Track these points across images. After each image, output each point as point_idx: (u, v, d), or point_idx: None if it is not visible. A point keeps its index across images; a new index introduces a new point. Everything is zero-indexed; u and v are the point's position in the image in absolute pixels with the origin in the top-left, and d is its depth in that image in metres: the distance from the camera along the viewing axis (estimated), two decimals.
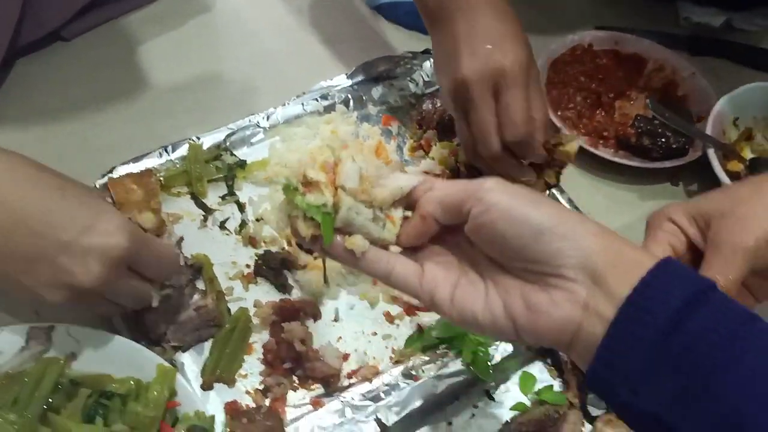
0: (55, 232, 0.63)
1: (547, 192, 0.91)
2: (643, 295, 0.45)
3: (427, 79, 1.08)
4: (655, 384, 0.44)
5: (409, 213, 0.55)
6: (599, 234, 0.48)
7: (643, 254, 0.48)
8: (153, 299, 0.73)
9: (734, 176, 1.00)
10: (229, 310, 0.84)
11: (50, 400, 0.71)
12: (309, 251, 0.73)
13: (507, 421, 0.80)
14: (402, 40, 1.16)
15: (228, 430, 0.75)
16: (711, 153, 0.99)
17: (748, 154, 1.06)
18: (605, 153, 1.04)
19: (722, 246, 0.59)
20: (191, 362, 0.80)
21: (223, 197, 0.94)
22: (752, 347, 0.43)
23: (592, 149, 1.03)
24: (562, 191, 0.97)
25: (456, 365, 0.81)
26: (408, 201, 0.55)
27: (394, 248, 0.55)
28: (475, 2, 0.83)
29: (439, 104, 1.02)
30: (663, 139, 1.04)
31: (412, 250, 0.56)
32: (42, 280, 0.64)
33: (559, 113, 1.08)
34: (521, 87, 0.80)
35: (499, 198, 0.50)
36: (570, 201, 0.96)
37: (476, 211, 0.50)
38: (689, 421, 0.43)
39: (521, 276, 0.50)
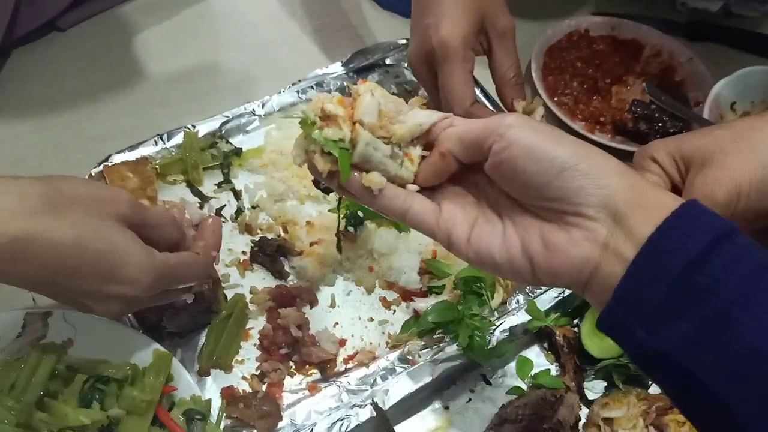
0: (77, 282, 0.62)
1: None
2: (665, 235, 0.44)
3: None
4: (672, 324, 0.43)
5: (427, 153, 0.54)
6: (623, 172, 0.47)
7: (666, 195, 0.47)
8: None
9: None
10: (225, 296, 0.85)
11: (47, 385, 0.71)
12: (325, 190, 0.69)
13: (503, 404, 0.80)
14: (398, 28, 1.15)
15: (224, 414, 0.75)
16: None
17: None
18: (602, 138, 1.03)
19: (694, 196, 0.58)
20: (188, 348, 0.80)
21: (219, 185, 0.94)
22: None
23: (589, 135, 1.03)
24: None
25: (452, 350, 0.81)
26: (427, 139, 0.54)
27: (412, 187, 0.54)
28: None
29: None
30: (660, 124, 1.03)
31: (429, 189, 0.55)
32: (63, 300, 0.66)
33: (555, 99, 1.07)
34: (452, 63, 0.81)
35: (520, 134, 0.48)
36: None
37: (497, 147, 0.49)
38: (704, 360, 0.42)
39: (541, 215, 0.49)
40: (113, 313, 0.67)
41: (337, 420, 0.76)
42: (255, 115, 0.99)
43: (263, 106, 1.00)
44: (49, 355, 0.72)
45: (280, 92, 1.01)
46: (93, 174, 0.90)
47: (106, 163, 0.90)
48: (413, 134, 0.53)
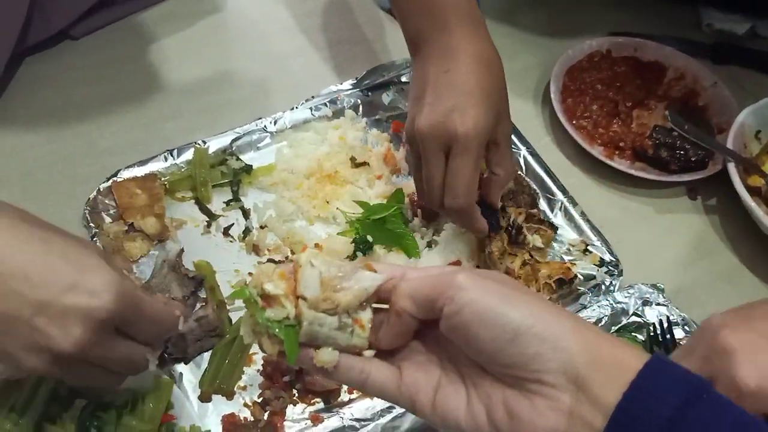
0: (34, 290, 0.56)
1: (507, 234, 0.87)
2: (634, 402, 0.42)
3: None
4: None
5: (383, 305, 0.51)
6: (577, 331, 0.45)
7: (624, 351, 0.45)
8: (150, 363, 0.65)
9: (754, 191, 0.97)
10: (230, 319, 0.83)
11: (46, 409, 0.70)
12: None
13: None
14: None
15: None
16: (731, 167, 0.96)
17: None
18: (621, 165, 1.01)
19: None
20: (189, 373, 0.79)
21: (227, 203, 0.93)
22: None
23: (607, 161, 1.00)
24: (574, 204, 0.95)
25: None
26: (379, 297, 0.52)
27: (368, 352, 0.52)
28: (453, 26, 0.79)
29: None
30: (681, 152, 1.01)
31: (388, 350, 0.52)
32: (18, 343, 0.57)
33: (574, 122, 1.05)
34: (472, 156, 0.76)
35: (471, 297, 0.46)
36: (582, 214, 0.94)
37: (448, 310, 0.47)
38: None
39: (502, 379, 0.47)
40: (44, 360, 0.58)
41: None
42: (267, 131, 0.98)
43: (275, 122, 0.98)
44: (49, 378, 0.71)
45: (292, 109, 1.00)
46: (101, 189, 0.89)
47: (114, 179, 0.89)
48: (360, 300, 0.50)
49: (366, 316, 0.51)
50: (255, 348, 0.81)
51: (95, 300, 0.57)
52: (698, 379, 0.43)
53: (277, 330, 0.49)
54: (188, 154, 0.93)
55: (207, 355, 0.80)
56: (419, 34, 0.82)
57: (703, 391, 0.42)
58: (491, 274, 0.49)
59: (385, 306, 0.52)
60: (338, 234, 0.89)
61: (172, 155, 0.93)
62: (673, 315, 0.85)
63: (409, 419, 0.76)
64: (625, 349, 0.45)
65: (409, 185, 0.93)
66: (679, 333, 0.83)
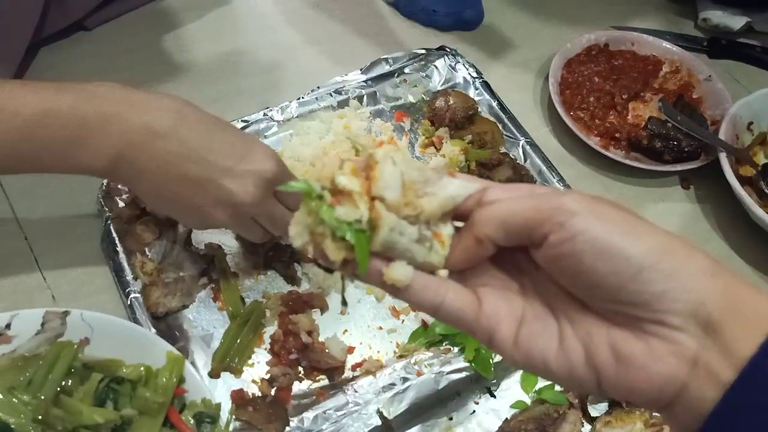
0: (218, 159, 0.73)
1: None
2: None
3: (440, 76, 1.09)
4: None
5: (459, 224, 0.44)
6: (715, 273, 0.39)
7: None
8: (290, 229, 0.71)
9: (745, 181, 1.00)
10: (243, 300, 0.86)
11: (63, 382, 0.73)
12: (327, 269, 0.60)
13: (507, 418, 0.81)
14: (418, 37, 1.16)
15: (234, 417, 0.77)
16: (723, 157, 0.99)
17: (761, 159, 1.06)
18: (616, 155, 1.04)
19: None
20: (200, 350, 0.82)
21: None
22: None
23: (603, 151, 1.03)
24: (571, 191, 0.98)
25: (459, 362, 0.82)
26: (457, 211, 0.44)
27: (443, 272, 0.44)
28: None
29: (451, 102, 1.03)
30: (675, 142, 1.04)
31: (461, 271, 0.45)
32: (210, 199, 0.75)
33: (571, 114, 1.08)
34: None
35: (586, 224, 0.39)
36: None
37: (555, 238, 0.40)
38: None
39: (609, 317, 0.41)
40: (227, 213, 0.75)
41: (344, 427, 0.77)
42: (274, 120, 1.01)
43: (282, 112, 1.01)
44: (66, 353, 0.74)
45: (299, 98, 1.03)
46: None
47: None
48: (445, 210, 0.43)
49: (447, 230, 0.44)
50: (264, 328, 0.85)
51: (263, 165, 0.75)
52: None
53: (348, 233, 0.40)
54: None
55: (218, 334, 0.84)
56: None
57: None
58: (603, 198, 0.42)
59: (459, 224, 0.45)
60: None
61: None
62: None
63: (410, 395, 0.80)
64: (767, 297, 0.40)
65: None
66: None
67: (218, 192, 0.74)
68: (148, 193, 0.77)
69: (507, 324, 0.43)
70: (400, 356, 0.85)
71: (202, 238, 0.89)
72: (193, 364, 0.79)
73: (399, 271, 0.42)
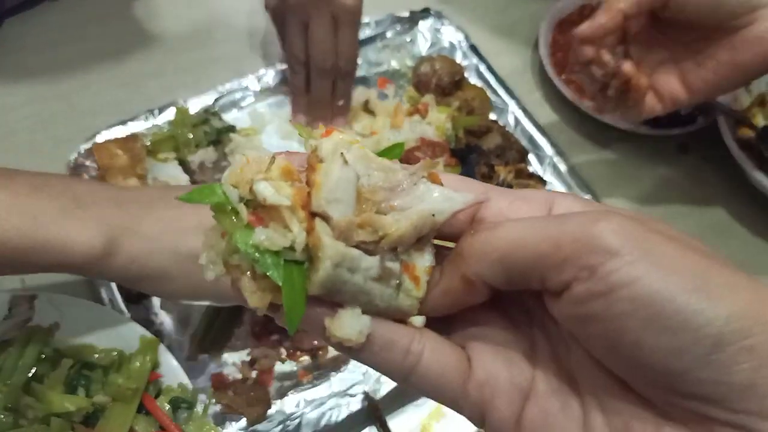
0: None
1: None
2: None
3: (425, 40, 1.04)
4: None
5: (448, 243, 0.32)
6: None
7: None
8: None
9: (745, 144, 0.96)
10: None
11: (34, 369, 0.70)
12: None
13: None
14: (401, 0, 1.11)
15: (213, 401, 0.74)
16: (721, 120, 0.94)
17: (760, 121, 1.01)
18: (611, 119, 0.99)
19: None
20: (177, 333, 0.79)
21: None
22: None
23: (596, 115, 0.99)
24: (564, 159, 0.94)
25: None
26: (440, 233, 0.32)
27: (417, 319, 0.32)
28: None
29: (437, 67, 0.98)
30: None
31: (442, 318, 0.33)
32: None
33: (563, 77, 1.03)
34: (356, 27, 0.90)
35: (635, 272, 0.27)
36: (572, 169, 0.93)
37: (583, 290, 0.27)
38: None
39: (662, 409, 0.29)
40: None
41: (328, 409, 0.74)
42: (249, 90, 0.96)
43: (259, 80, 0.96)
44: (36, 338, 0.71)
45: (276, 66, 0.98)
46: (82, 151, 0.87)
47: (95, 140, 0.88)
48: (421, 232, 0.30)
49: (423, 262, 0.31)
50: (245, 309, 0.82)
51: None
52: None
53: (271, 267, 0.28)
54: (169, 114, 0.91)
55: (196, 316, 0.80)
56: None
57: None
58: (653, 222, 0.29)
59: (450, 244, 0.32)
60: None
61: (152, 114, 0.91)
62: None
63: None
64: None
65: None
66: None
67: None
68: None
69: (507, 398, 0.31)
70: None
71: None
72: (169, 347, 0.75)
73: (349, 325, 0.29)
